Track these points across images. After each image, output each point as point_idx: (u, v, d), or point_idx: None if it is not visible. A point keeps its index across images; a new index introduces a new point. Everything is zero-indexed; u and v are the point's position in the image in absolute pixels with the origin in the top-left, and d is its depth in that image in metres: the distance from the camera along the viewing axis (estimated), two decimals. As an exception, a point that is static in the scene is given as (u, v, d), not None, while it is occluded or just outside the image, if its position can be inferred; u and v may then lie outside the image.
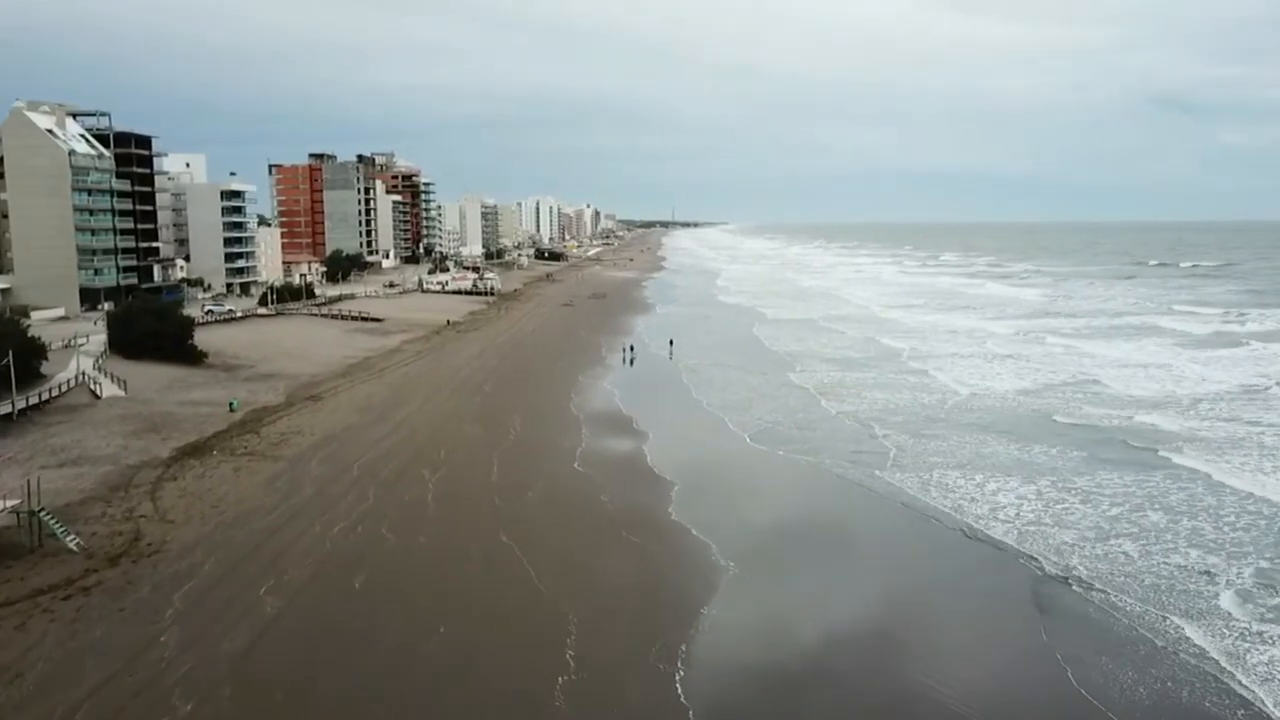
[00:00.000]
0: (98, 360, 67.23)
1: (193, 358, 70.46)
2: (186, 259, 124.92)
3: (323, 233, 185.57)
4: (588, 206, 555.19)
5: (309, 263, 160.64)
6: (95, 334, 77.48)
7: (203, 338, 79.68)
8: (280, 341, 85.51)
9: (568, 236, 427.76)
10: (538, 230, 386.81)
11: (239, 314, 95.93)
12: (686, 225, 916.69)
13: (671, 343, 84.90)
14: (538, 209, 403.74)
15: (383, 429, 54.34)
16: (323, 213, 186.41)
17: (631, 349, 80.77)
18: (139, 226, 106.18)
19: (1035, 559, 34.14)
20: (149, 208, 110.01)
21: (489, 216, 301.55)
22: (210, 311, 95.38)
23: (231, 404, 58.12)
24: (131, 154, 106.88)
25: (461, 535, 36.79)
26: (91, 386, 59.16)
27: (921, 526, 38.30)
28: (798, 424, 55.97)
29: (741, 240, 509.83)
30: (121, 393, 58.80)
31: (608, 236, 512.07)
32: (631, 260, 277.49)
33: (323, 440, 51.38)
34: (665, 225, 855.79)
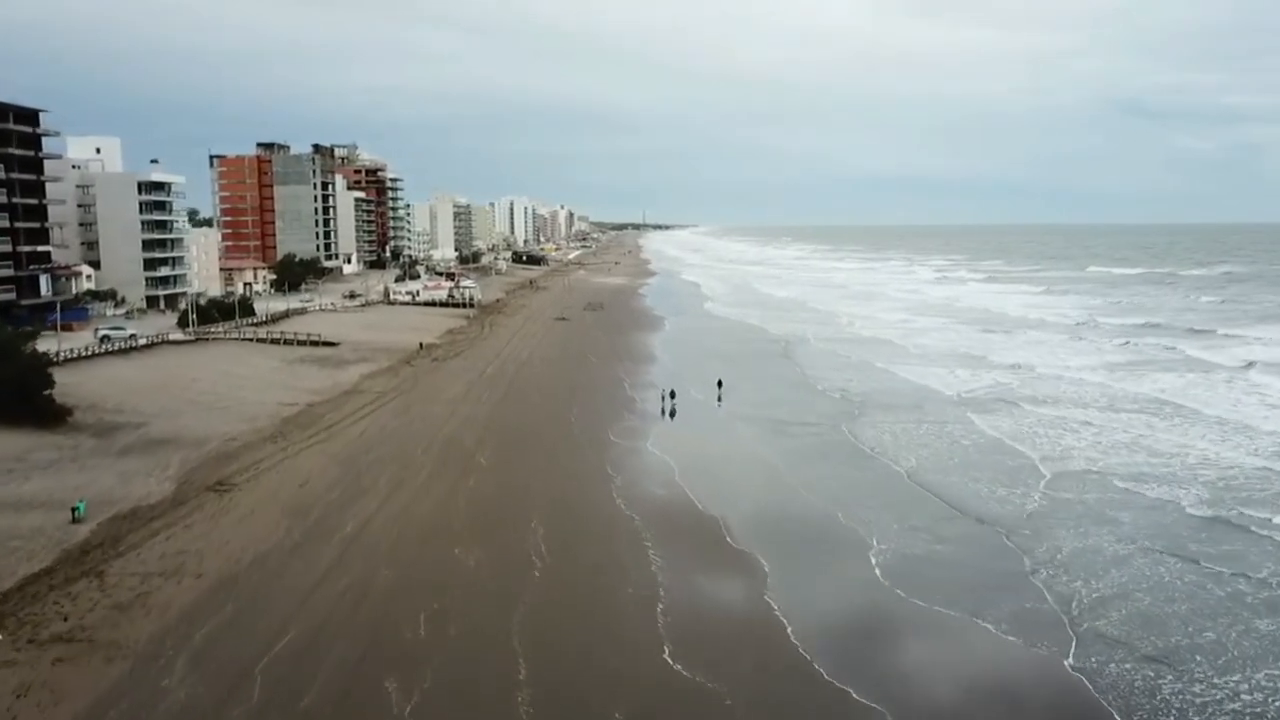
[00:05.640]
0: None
1: (47, 416, 48.04)
2: (96, 266, 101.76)
3: (273, 234, 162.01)
4: (562, 208, 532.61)
5: (255, 269, 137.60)
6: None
7: (79, 379, 57.49)
8: (193, 382, 63.15)
9: (543, 239, 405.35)
10: (512, 232, 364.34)
11: (144, 340, 73.04)
12: (658, 227, 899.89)
13: (720, 384, 63.71)
14: (512, 210, 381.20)
15: (320, 559, 32.62)
16: (273, 211, 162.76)
17: (672, 395, 59.33)
18: (18, 225, 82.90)
19: None
20: (34, 201, 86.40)
21: (462, 217, 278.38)
22: (106, 338, 72.55)
23: (76, 509, 36.02)
24: (10, 131, 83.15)
25: None
26: None
27: None
28: (935, 540, 35.38)
29: (717, 242, 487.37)
30: (-101, 490, 36.53)
31: (584, 239, 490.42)
32: (617, 264, 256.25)
33: (212, 592, 29.59)
34: (637, 227, 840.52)
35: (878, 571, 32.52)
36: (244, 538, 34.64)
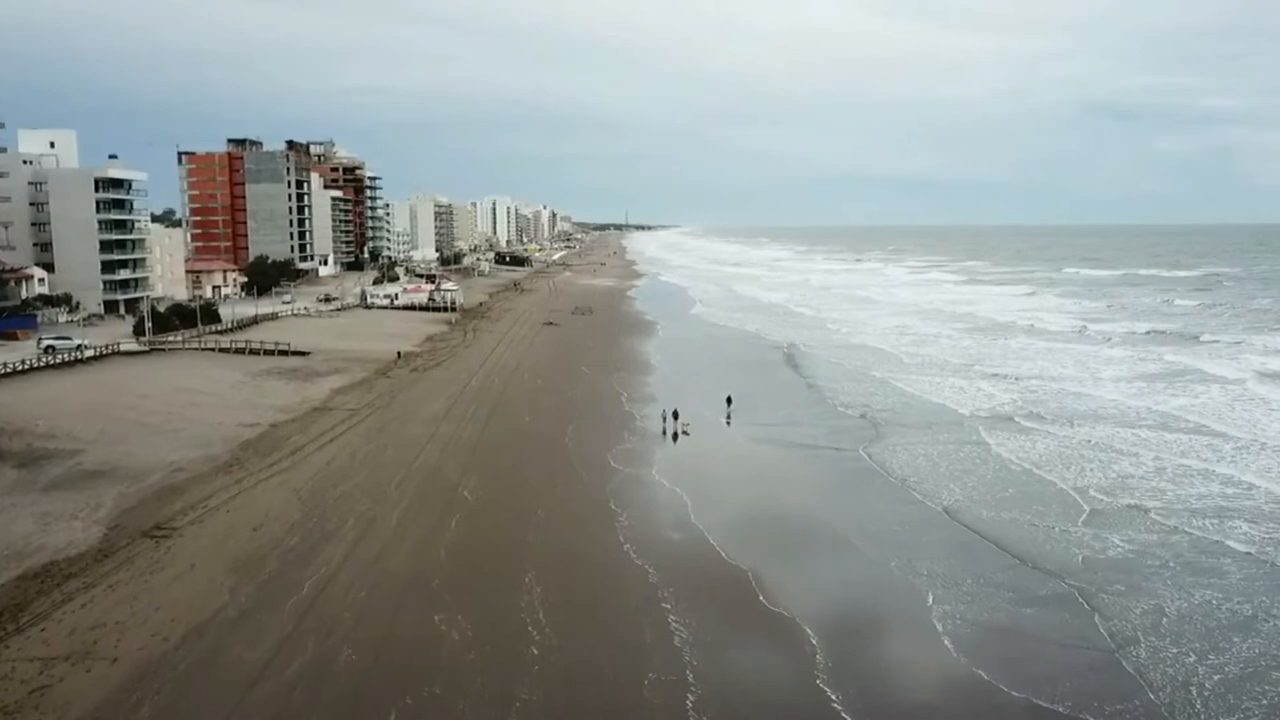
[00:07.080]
0: None
1: (-37, 445, 41.75)
2: (50, 269, 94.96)
3: (245, 235, 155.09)
4: (545, 208, 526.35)
5: (224, 272, 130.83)
6: None
7: (10, 398, 51.40)
8: (142, 400, 56.81)
9: (526, 239, 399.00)
10: (494, 233, 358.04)
11: (91, 351, 66.48)
12: (641, 228, 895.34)
13: (729, 401, 58.02)
14: (494, 210, 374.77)
15: (267, 634, 26.59)
16: (245, 210, 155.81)
17: (675, 417, 53.34)
18: (-43, 225, 76.72)
19: None
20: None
21: (443, 217, 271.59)
22: (50, 348, 66.01)
23: (-24, 567, 29.86)
24: (-53, 123, 77.18)
25: None
26: None
27: None
28: (1001, 599, 29.78)
29: (700, 243, 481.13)
30: None
31: (568, 239, 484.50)
32: (603, 265, 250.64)
33: (126, 685, 23.55)
34: (620, 228, 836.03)
35: (947, 642, 26.88)
36: (177, 603, 28.57)
